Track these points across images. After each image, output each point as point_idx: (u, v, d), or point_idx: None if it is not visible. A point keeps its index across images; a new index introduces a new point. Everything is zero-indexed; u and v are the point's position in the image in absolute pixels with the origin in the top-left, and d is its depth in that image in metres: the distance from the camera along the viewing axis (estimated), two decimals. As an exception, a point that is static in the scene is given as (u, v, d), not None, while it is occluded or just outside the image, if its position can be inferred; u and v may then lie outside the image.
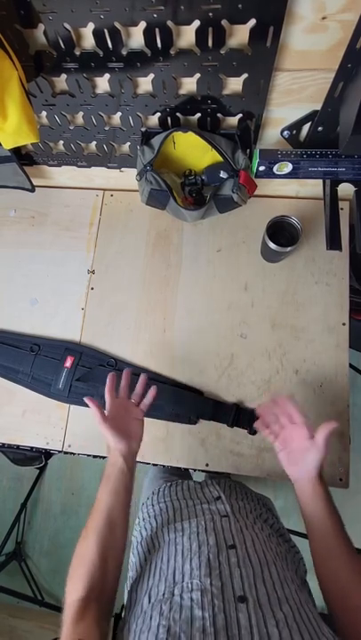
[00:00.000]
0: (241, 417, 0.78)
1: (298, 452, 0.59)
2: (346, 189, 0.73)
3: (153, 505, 0.72)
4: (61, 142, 0.81)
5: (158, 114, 0.68)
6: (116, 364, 0.84)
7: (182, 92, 0.63)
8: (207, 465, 0.79)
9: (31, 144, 0.83)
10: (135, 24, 0.51)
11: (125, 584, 0.60)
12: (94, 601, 0.48)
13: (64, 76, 0.61)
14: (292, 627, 0.38)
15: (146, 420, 0.81)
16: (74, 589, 0.48)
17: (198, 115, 0.67)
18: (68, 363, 0.85)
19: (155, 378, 0.83)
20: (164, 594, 0.45)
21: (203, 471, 0.80)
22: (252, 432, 0.77)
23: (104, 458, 0.82)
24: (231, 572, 0.45)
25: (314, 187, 0.85)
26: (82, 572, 0.50)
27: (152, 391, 0.69)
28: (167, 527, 0.60)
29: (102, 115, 0.70)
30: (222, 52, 0.54)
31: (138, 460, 0.80)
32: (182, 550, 0.52)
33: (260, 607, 0.41)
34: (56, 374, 0.85)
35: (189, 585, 0.45)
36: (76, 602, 0.47)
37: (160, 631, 0.39)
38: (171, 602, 0.43)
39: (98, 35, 0.53)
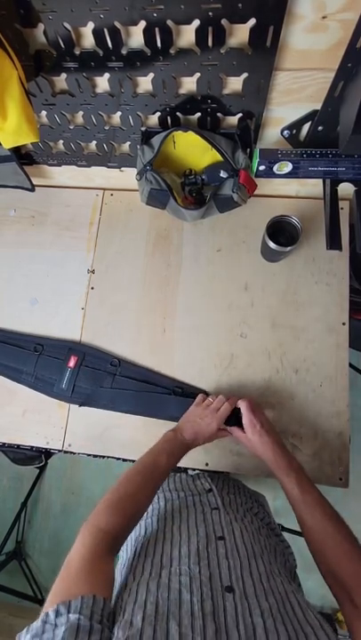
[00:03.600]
0: (241, 417, 0.78)
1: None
2: (346, 189, 0.73)
3: None
4: (61, 142, 0.81)
5: (158, 113, 0.68)
6: (120, 364, 0.84)
7: (182, 91, 0.63)
8: (207, 464, 0.79)
9: (31, 143, 0.83)
10: (135, 23, 0.51)
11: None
12: (119, 540, 0.52)
13: (64, 75, 0.61)
14: (277, 617, 0.39)
15: (146, 419, 0.82)
16: (109, 520, 0.51)
17: (198, 114, 0.67)
18: (72, 363, 0.85)
19: (156, 382, 0.83)
20: (150, 573, 0.45)
21: (202, 471, 0.80)
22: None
23: (104, 457, 0.83)
24: (219, 563, 0.46)
25: (314, 186, 0.85)
26: (123, 506, 0.54)
27: (227, 406, 0.71)
28: (157, 517, 0.61)
29: (102, 114, 0.70)
30: (222, 51, 0.54)
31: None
32: (171, 538, 0.53)
33: (245, 598, 0.41)
34: (59, 374, 0.85)
35: (178, 570, 0.45)
36: (105, 533, 0.50)
37: (148, 607, 0.39)
38: (158, 582, 0.43)
39: (98, 34, 0.53)
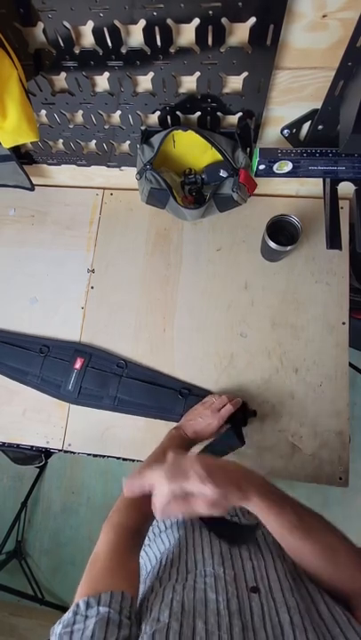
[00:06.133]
0: (247, 417, 0.77)
1: None
2: (346, 188, 0.72)
3: None
4: (61, 141, 0.81)
5: (158, 112, 0.68)
6: (127, 366, 0.84)
7: (182, 90, 0.63)
8: (207, 464, 0.79)
9: (31, 143, 0.83)
10: (135, 22, 0.51)
11: None
12: (140, 535, 0.53)
13: (63, 74, 0.61)
14: (304, 615, 0.39)
15: (147, 419, 0.82)
16: (129, 516, 0.53)
17: (198, 113, 0.67)
18: (78, 364, 0.85)
19: (163, 384, 0.83)
20: (177, 579, 0.46)
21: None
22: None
23: (104, 457, 0.83)
24: (243, 565, 0.46)
25: (314, 185, 0.85)
26: (139, 503, 0.53)
27: (229, 407, 0.71)
28: (177, 527, 0.61)
29: (102, 113, 0.70)
30: (222, 50, 0.54)
31: (139, 459, 0.81)
32: (193, 543, 0.53)
33: (271, 595, 0.41)
34: (66, 376, 0.85)
35: (203, 572, 0.45)
36: (126, 529, 0.51)
37: (174, 605, 0.39)
38: (184, 584, 0.43)
39: (97, 33, 0.53)
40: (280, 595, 0.41)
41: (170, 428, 0.72)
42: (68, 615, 0.39)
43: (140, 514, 0.54)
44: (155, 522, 0.69)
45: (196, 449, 0.70)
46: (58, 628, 0.38)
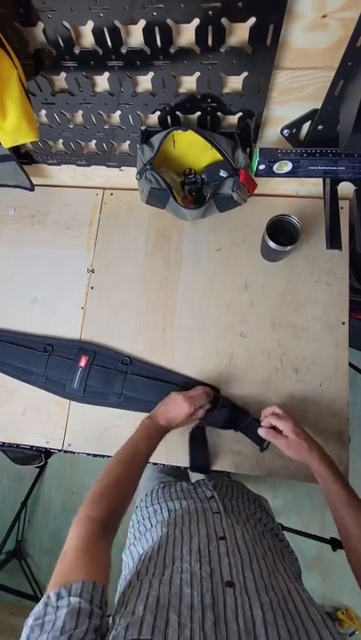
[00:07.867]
0: (251, 427, 0.75)
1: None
2: (346, 188, 0.73)
3: (147, 507, 0.73)
4: (61, 141, 0.81)
5: (158, 112, 0.68)
6: (131, 363, 0.84)
7: (182, 90, 0.63)
8: (207, 464, 0.79)
9: (30, 143, 0.83)
10: (135, 22, 0.51)
11: (118, 582, 0.61)
12: (111, 527, 0.53)
13: (63, 74, 0.61)
14: (277, 611, 0.39)
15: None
16: (96, 509, 0.54)
17: (198, 113, 0.67)
18: (83, 362, 0.85)
19: (168, 380, 0.83)
20: (154, 573, 0.46)
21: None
22: (264, 448, 0.74)
23: (103, 457, 0.83)
24: (220, 561, 0.47)
25: (314, 185, 0.85)
26: (109, 495, 0.56)
27: (201, 392, 0.74)
28: (161, 525, 0.61)
29: (102, 113, 0.70)
30: (222, 50, 0.54)
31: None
32: (173, 541, 0.53)
33: (246, 592, 0.42)
34: (71, 374, 0.85)
35: (179, 568, 0.46)
36: (94, 521, 0.52)
37: (149, 599, 0.40)
38: (161, 580, 0.44)
39: (97, 33, 0.53)
40: (255, 592, 0.42)
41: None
42: (38, 607, 0.39)
43: (107, 505, 0.55)
44: (141, 521, 0.70)
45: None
46: (29, 620, 0.39)
